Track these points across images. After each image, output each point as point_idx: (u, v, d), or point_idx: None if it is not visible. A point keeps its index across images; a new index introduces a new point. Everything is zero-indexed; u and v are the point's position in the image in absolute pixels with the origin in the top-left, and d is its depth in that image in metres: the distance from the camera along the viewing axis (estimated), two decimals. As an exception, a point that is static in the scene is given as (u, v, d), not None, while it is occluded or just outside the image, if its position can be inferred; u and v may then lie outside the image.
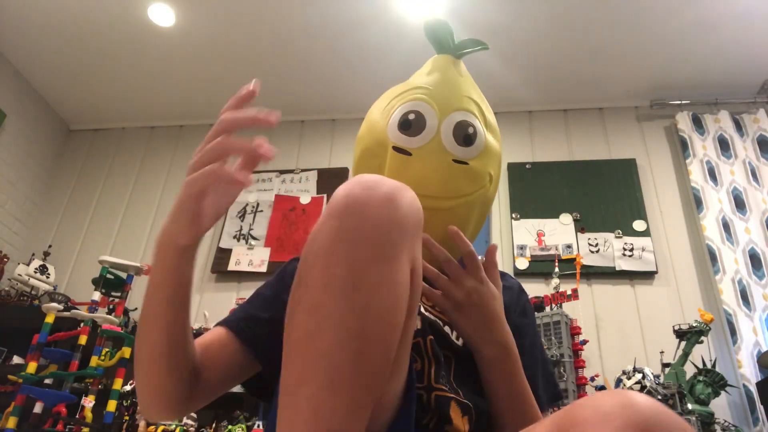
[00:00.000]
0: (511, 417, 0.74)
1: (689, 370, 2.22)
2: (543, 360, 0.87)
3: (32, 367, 1.92)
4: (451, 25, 0.93)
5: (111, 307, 2.50)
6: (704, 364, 2.24)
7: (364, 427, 0.52)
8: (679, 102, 3.16)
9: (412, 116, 0.80)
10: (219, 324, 0.78)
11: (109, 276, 2.22)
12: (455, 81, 0.88)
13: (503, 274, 0.94)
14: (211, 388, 0.72)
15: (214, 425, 2.35)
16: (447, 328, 0.79)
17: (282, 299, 0.62)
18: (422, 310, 0.76)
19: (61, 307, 2.07)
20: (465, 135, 0.80)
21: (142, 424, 2.13)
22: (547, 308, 2.29)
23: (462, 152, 0.80)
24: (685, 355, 2.21)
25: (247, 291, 2.86)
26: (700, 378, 2.18)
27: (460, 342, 0.78)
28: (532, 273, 2.84)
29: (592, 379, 2.23)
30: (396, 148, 0.79)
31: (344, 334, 0.52)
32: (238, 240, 3.13)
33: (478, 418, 0.71)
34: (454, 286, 0.74)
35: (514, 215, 3.01)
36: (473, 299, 0.73)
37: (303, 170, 3.34)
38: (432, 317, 0.77)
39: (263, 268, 2.97)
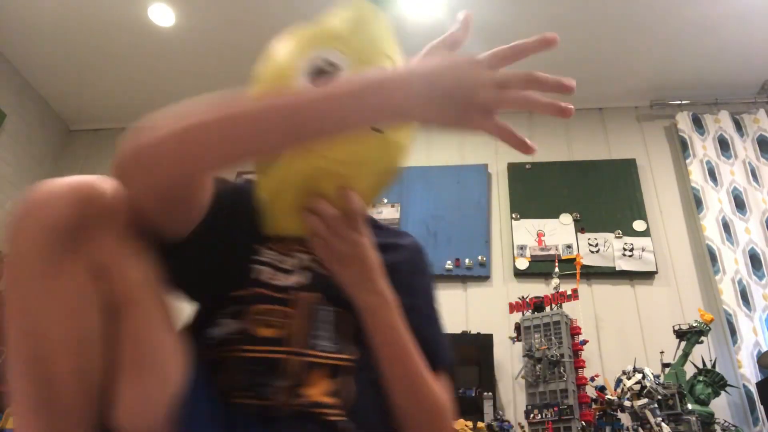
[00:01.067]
0: (391, 367, 0.76)
1: (689, 370, 2.22)
2: (438, 322, 0.89)
3: (32, 367, 1.91)
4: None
5: (111, 307, 2.50)
6: (704, 364, 2.24)
7: None
8: (679, 102, 3.16)
9: (328, 68, 0.71)
10: None
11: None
12: (377, 36, 0.78)
13: (402, 233, 0.95)
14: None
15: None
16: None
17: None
18: (316, 266, 0.78)
19: (61, 307, 2.07)
20: None
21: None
22: (547, 308, 2.29)
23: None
24: (685, 355, 2.21)
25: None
26: (700, 378, 2.18)
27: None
28: (532, 273, 2.84)
29: (592, 379, 2.23)
30: None
31: (23, 362, 0.56)
32: (238, 240, 3.12)
33: (356, 371, 0.75)
34: (338, 239, 0.74)
35: (514, 215, 3.01)
36: (356, 251, 0.74)
37: (303, 170, 3.34)
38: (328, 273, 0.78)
39: (263, 268, 2.97)
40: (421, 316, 0.83)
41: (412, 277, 0.87)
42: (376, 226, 0.89)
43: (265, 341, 0.72)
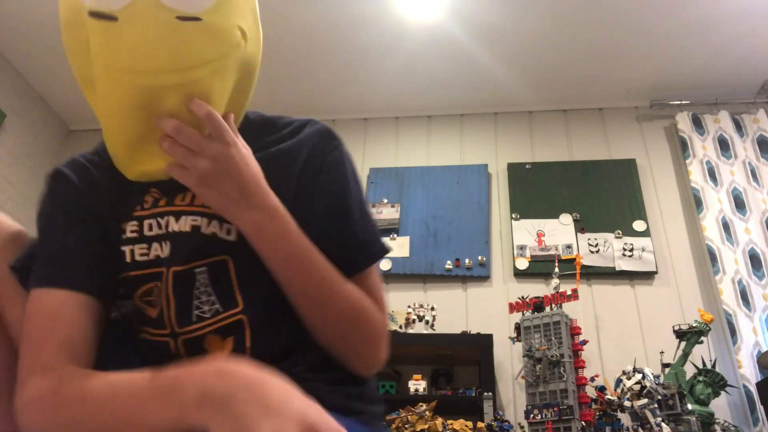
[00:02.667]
0: (294, 283, 0.66)
1: (689, 371, 2.22)
2: (352, 217, 0.72)
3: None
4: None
5: (111, 307, 2.49)
6: (704, 364, 2.24)
7: None
8: (679, 102, 3.16)
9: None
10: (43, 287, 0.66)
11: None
12: None
13: (305, 122, 0.77)
14: None
15: None
16: (214, 224, 0.68)
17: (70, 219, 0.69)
18: (173, 225, 0.68)
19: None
20: None
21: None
22: (547, 308, 2.29)
23: (187, 4, 0.59)
24: (685, 355, 2.21)
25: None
26: (700, 378, 2.18)
27: (232, 236, 0.68)
28: (532, 273, 2.83)
29: (592, 379, 2.22)
30: (94, 13, 0.60)
31: None
32: (238, 240, 3.12)
33: (260, 318, 0.67)
34: (193, 155, 0.62)
35: (514, 215, 3.01)
36: (220, 165, 0.62)
37: (303, 170, 3.34)
38: (191, 224, 0.68)
39: (263, 268, 2.97)
40: (328, 217, 0.70)
41: (316, 175, 0.72)
42: (268, 121, 0.77)
43: (153, 323, 0.67)
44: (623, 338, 2.61)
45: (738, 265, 2.65)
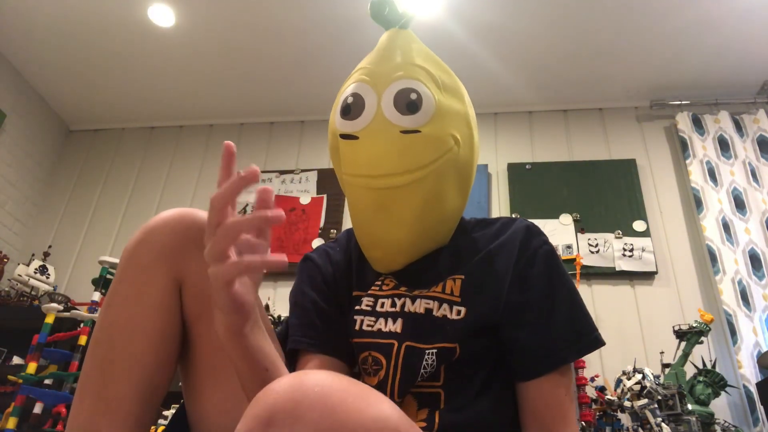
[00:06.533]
0: None
1: (689, 371, 2.22)
2: (561, 314, 0.74)
3: (32, 367, 1.92)
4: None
5: (111, 307, 2.49)
6: (704, 364, 2.24)
7: (118, 420, 0.65)
8: (679, 102, 3.16)
9: (350, 100, 0.78)
10: (300, 353, 0.77)
11: (109, 276, 2.22)
12: (395, 52, 0.83)
13: (510, 220, 0.83)
14: None
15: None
16: (445, 307, 0.74)
17: (308, 296, 0.80)
18: (409, 306, 0.75)
19: (61, 307, 2.08)
20: (408, 102, 0.75)
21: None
22: (547, 308, 2.29)
23: (409, 121, 0.74)
24: (685, 355, 2.21)
25: (247, 291, 2.85)
26: (700, 378, 2.18)
27: (461, 316, 0.72)
28: (532, 273, 2.83)
29: (592, 379, 2.23)
30: (343, 135, 0.77)
31: (93, 347, 0.69)
32: (238, 240, 3.12)
33: (444, 397, 0.71)
34: None
35: (514, 215, 3.01)
36: None
37: (303, 170, 3.34)
38: (425, 306, 0.74)
39: (263, 269, 2.97)
40: (536, 312, 0.73)
41: (529, 267, 0.76)
42: (480, 221, 0.89)
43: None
44: (623, 338, 2.61)
45: (738, 265, 2.65)
